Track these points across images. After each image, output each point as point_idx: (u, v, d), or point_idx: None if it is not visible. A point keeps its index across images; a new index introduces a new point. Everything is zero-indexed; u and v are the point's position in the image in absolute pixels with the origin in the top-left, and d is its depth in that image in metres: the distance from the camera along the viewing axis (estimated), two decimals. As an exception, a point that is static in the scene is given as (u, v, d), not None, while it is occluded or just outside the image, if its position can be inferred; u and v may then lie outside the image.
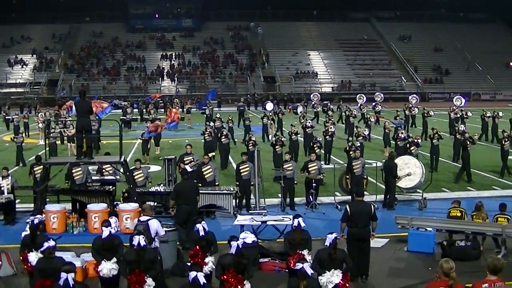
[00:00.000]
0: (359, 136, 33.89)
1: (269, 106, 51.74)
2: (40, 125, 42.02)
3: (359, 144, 31.53)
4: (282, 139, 32.23)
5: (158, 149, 38.16)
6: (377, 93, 64.95)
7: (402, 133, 33.27)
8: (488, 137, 42.71)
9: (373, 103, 57.21)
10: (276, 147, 30.41)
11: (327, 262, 13.07)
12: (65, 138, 38.77)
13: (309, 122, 38.85)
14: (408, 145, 29.56)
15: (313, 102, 62.03)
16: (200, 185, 23.28)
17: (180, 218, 18.83)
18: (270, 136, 43.24)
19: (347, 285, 13.06)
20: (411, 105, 52.01)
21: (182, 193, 19.18)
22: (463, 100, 52.09)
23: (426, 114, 45.28)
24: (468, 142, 29.59)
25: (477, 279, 11.17)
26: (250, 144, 30.35)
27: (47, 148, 22.98)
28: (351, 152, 27.56)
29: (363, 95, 61.90)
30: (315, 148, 29.48)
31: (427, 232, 18.58)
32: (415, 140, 29.95)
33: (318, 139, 31.69)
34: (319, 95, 67.56)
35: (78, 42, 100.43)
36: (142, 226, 15.07)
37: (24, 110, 64.11)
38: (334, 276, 12.87)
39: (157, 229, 15.33)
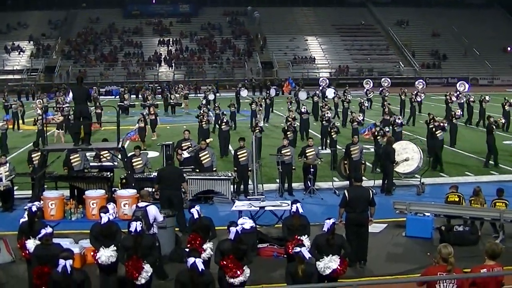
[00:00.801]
0: (353, 121, 33.84)
1: (273, 91, 51.91)
2: (39, 111, 41.94)
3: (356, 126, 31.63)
4: (294, 124, 32.08)
5: (154, 134, 38.19)
6: (384, 79, 64.64)
7: (399, 118, 33.18)
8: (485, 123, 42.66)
9: (380, 89, 56.85)
10: (288, 133, 29.79)
11: (325, 248, 13.06)
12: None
13: (304, 108, 38.77)
14: (434, 129, 29.15)
15: (321, 87, 61.56)
16: (197, 170, 23.39)
17: (161, 202, 18.91)
18: (259, 122, 43.32)
19: (345, 270, 13.07)
20: (417, 91, 51.72)
21: (165, 178, 19.35)
22: (467, 86, 52.06)
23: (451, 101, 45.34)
24: (494, 127, 29.39)
25: (475, 264, 11.21)
26: (257, 130, 30.07)
27: (45, 135, 22.90)
28: (332, 133, 27.70)
29: (370, 80, 61.76)
30: (332, 134, 29.35)
31: (425, 217, 18.60)
32: (441, 124, 29.50)
33: (336, 124, 31.52)
34: (327, 80, 67.22)
35: (75, 28, 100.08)
36: (140, 212, 15.07)
37: (21, 97, 64.03)
38: (331, 261, 12.88)
39: (155, 215, 15.33)
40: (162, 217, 15.74)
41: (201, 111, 36.01)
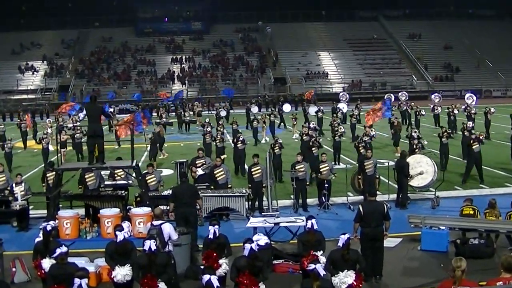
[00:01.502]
0: (365, 135, 33.76)
1: (287, 107, 51.87)
2: (49, 130, 42.11)
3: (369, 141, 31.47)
4: (319, 140, 31.48)
5: (163, 153, 38.16)
6: (402, 93, 64.12)
7: (415, 132, 33.09)
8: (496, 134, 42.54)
9: (399, 103, 56.43)
10: (313, 149, 29.13)
11: (340, 263, 13.07)
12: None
13: (312, 124, 38.74)
14: (471, 141, 28.94)
15: (341, 102, 60.93)
16: (212, 187, 23.41)
17: (176, 220, 18.92)
18: (263, 139, 43.27)
19: (360, 285, 13.05)
20: (434, 104, 51.65)
21: (180, 195, 19.28)
22: (475, 98, 51.77)
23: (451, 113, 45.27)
24: None
25: (491, 277, 11.16)
26: (277, 147, 29.92)
27: (59, 154, 22.99)
28: (360, 148, 27.54)
29: (391, 94, 61.41)
30: (360, 148, 29.06)
31: (440, 231, 18.54)
32: (479, 137, 29.31)
33: (364, 139, 31.38)
34: (347, 95, 66.88)
35: (88, 47, 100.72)
36: (155, 230, 15.11)
37: (35, 116, 64.39)
38: (347, 276, 12.88)
39: (170, 233, 15.36)
40: (177, 235, 15.76)
41: (207, 129, 35.98)
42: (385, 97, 53.74)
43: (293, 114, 49.86)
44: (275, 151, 29.37)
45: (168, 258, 13.81)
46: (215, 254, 14.29)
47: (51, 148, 37.50)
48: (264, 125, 45.93)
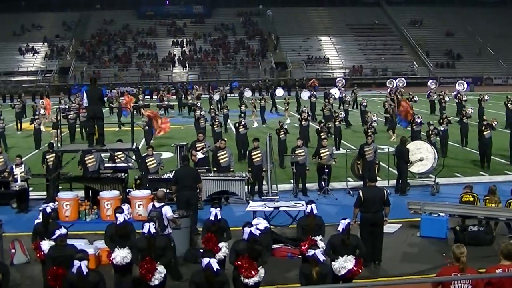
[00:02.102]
0: (367, 121, 33.71)
1: (279, 92, 51.78)
2: (42, 111, 42.26)
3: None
4: (285, 126, 31.34)
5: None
6: (399, 79, 63.96)
7: (418, 117, 33.16)
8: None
9: (388, 89, 56.13)
10: (322, 134, 28.40)
11: (340, 248, 13.06)
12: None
13: (304, 108, 38.46)
14: (483, 128, 28.82)
15: (337, 87, 60.72)
16: (215, 169, 23.42)
17: (178, 203, 18.93)
18: (254, 124, 43.03)
19: (360, 270, 13.04)
20: (430, 91, 51.75)
21: (182, 179, 19.25)
22: (466, 85, 52.09)
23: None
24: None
25: (490, 264, 11.15)
26: (282, 133, 29.85)
27: (59, 136, 22.94)
28: (369, 133, 27.55)
29: (393, 80, 61.42)
30: (369, 133, 28.86)
31: (439, 217, 18.56)
32: (492, 124, 29.08)
33: (373, 123, 31.28)
34: (343, 81, 66.62)
35: (89, 29, 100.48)
36: (155, 213, 15.10)
37: (36, 98, 64.40)
38: (347, 261, 12.87)
39: (170, 216, 15.34)
40: (172, 215, 15.67)
41: (199, 113, 35.95)
42: (387, 84, 53.78)
43: (286, 99, 49.92)
44: (280, 136, 29.34)
45: (167, 241, 13.82)
46: (215, 238, 14.30)
47: (42, 129, 37.63)
48: (254, 109, 45.95)
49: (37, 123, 36.16)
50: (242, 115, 35.84)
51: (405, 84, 60.76)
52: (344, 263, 12.83)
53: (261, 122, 44.57)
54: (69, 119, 38.34)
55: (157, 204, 15.56)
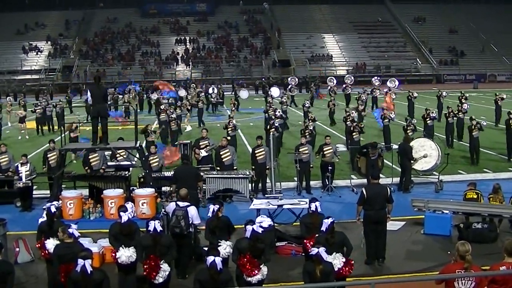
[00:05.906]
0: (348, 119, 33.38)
1: (275, 91, 51.72)
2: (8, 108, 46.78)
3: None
4: (361, 125, 30.49)
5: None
6: (391, 79, 63.55)
7: (432, 112, 33.23)
8: (501, 121, 42.36)
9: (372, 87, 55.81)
10: (354, 134, 28.62)
11: (326, 247, 12.89)
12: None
13: (278, 112, 36.82)
14: (473, 127, 28.90)
15: (344, 86, 60.02)
16: (218, 168, 23.41)
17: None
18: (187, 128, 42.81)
19: (350, 271, 13.02)
20: (373, 87, 51.90)
21: (181, 177, 19.18)
22: (397, 82, 52.33)
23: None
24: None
25: (494, 261, 11.16)
26: (273, 130, 29.68)
27: (63, 135, 22.94)
28: (408, 131, 27.53)
29: (395, 79, 61.27)
30: (408, 131, 28.19)
31: (443, 215, 18.54)
32: (480, 124, 29.21)
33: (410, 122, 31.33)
34: (334, 80, 66.32)
35: (92, 28, 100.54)
36: (181, 212, 15.01)
37: (39, 97, 64.47)
38: (335, 259, 12.84)
39: (194, 216, 15.26)
40: (199, 220, 15.66)
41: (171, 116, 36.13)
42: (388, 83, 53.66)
43: (232, 100, 50.77)
44: (273, 133, 29.13)
45: (171, 240, 13.81)
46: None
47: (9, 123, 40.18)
48: (233, 106, 46.64)
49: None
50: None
51: (396, 86, 59.51)
52: (334, 260, 12.77)
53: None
54: (36, 113, 41.51)
55: (181, 204, 15.44)
